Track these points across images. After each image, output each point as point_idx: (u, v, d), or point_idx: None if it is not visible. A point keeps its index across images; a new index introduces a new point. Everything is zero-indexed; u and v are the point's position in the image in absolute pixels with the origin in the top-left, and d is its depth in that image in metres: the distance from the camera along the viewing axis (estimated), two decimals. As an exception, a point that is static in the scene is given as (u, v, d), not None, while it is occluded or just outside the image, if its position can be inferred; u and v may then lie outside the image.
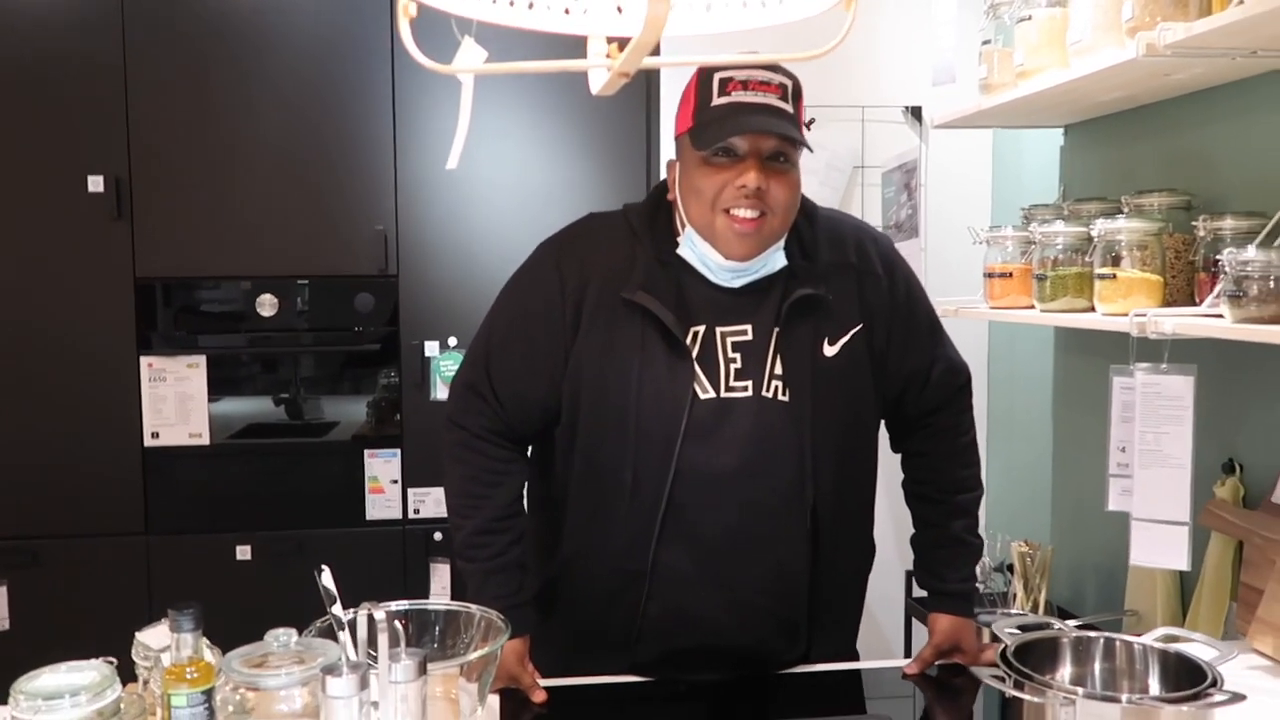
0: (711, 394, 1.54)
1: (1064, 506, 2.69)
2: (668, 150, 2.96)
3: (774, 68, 1.49)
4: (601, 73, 1.20)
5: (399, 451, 2.90)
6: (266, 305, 2.85)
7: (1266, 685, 1.56)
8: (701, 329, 1.55)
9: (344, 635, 1.23)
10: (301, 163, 2.82)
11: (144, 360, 2.82)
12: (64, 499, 2.81)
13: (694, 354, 1.54)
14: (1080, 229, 2.06)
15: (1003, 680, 1.28)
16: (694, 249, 1.55)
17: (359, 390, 2.95)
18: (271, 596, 2.74)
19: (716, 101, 1.47)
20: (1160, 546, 1.72)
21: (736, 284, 1.56)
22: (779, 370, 1.55)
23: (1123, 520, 1.87)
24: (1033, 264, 2.18)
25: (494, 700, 1.51)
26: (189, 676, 1.12)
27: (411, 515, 2.91)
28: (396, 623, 1.19)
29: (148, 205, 2.79)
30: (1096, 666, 1.37)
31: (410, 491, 2.91)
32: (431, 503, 2.90)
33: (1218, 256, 1.69)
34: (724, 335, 1.56)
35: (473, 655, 1.36)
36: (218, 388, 2.86)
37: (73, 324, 2.79)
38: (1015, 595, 2.48)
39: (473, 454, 1.63)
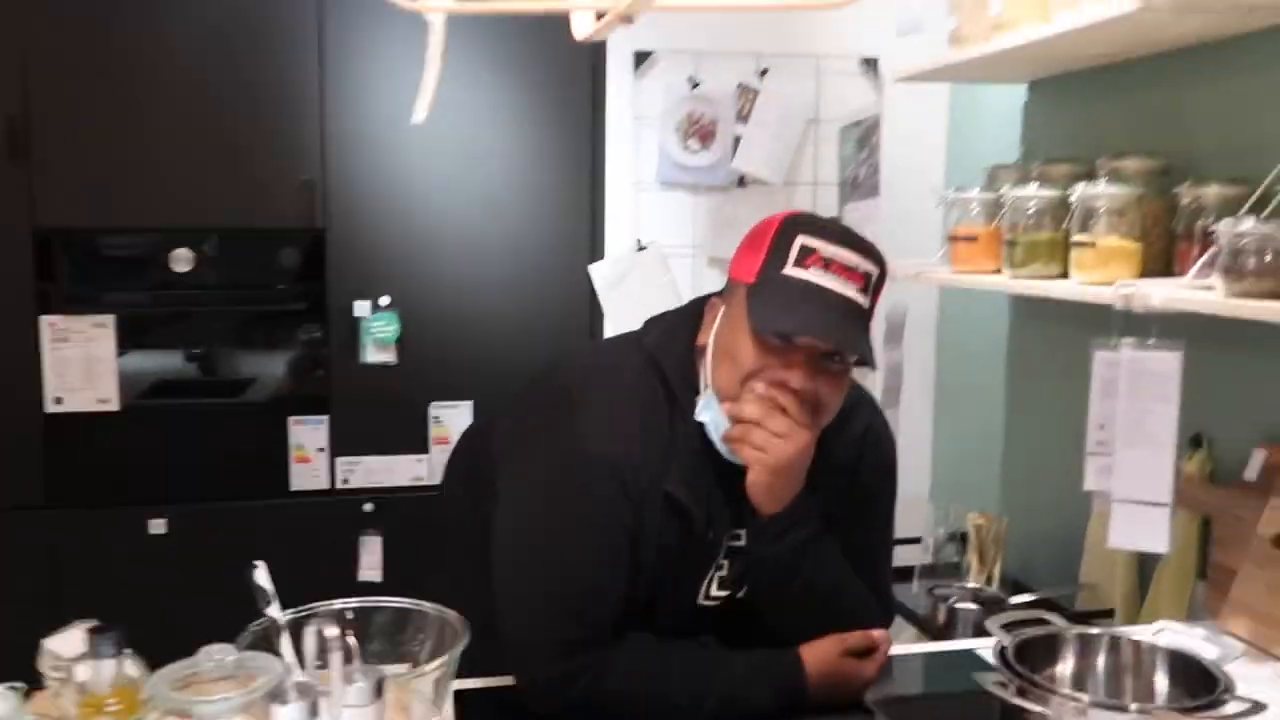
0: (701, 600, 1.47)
1: (1015, 476, 2.64)
2: (614, 110, 2.80)
3: (865, 249, 1.30)
4: (587, 16, 1.06)
5: (326, 418, 2.73)
6: (181, 260, 2.64)
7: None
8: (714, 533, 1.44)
9: (287, 651, 1.09)
10: (219, 104, 2.60)
11: (45, 320, 2.59)
12: (-44, 470, 2.59)
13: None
14: (1055, 193, 1.98)
15: (1004, 686, 1.19)
16: (709, 413, 1.36)
17: (275, 346, 2.76)
18: (188, 573, 2.57)
19: (789, 271, 1.29)
20: (1140, 528, 1.66)
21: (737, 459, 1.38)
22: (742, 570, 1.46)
23: (1077, 492, 1.80)
24: (1002, 228, 2.10)
25: (448, 707, 1.39)
26: (110, 709, 0.97)
27: (340, 485, 2.75)
28: (349, 638, 1.05)
29: (48, 146, 2.55)
30: (1099, 663, 1.30)
31: (339, 460, 2.74)
32: (362, 472, 2.75)
33: (1211, 227, 1.62)
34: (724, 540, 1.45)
35: (430, 668, 1.24)
36: (125, 343, 2.65)
37: (-40, 279, 2.55)
38: (970, 567, 2.43)
39: (630, 665, 1.37)
